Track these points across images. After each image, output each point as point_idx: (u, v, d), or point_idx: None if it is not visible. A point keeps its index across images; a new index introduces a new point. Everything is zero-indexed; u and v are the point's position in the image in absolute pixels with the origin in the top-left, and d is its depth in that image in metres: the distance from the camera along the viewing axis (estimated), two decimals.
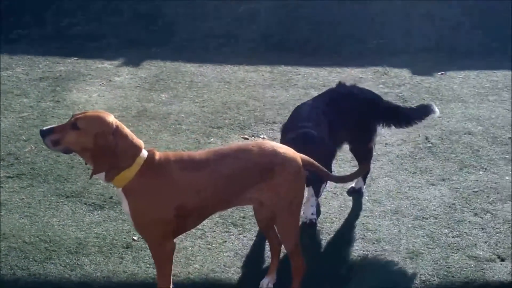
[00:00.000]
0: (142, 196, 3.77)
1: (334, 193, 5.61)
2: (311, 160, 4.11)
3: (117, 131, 3.70)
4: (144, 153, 3.80)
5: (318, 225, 5.18)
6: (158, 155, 3.83)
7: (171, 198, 3.78)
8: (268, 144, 3.99)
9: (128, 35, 9.39)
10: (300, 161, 3.98)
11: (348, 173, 4.90)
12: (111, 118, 3.73)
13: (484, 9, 9.77)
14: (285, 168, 3.91)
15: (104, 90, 7.62)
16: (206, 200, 3.85)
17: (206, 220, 4.64)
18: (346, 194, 5.62)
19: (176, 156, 3.88)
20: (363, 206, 5.49)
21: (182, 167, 3.81)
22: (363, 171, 5.08)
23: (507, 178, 5.91)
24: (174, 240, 3.94)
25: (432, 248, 4.92)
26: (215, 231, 5.06)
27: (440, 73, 8.17)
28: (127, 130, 3.79)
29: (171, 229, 3.85)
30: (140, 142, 3.81)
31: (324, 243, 5.01)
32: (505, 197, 5.61)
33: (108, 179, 3.76)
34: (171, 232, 3.86)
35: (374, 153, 6.11)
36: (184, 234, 4.39)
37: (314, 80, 7.98)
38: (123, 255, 4.73)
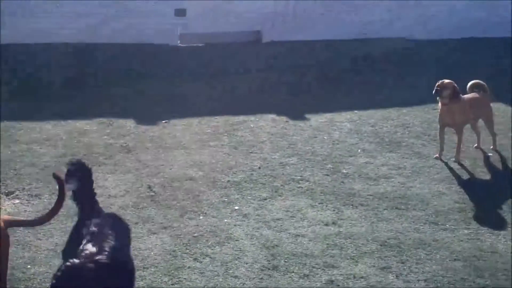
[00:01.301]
0: None
1: (55, 251, 5.56)
2: (11, 218, 4.20)
3: None
4: None
5: (38, 285, 5.14)
6: None
7: None
8: None
9: None
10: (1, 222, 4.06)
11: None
12: None
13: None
14: None
15: None
16: None
17: None
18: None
19: None
20: None
21: None
22: (62, 202, 4.73)
23: (225, 220, 6.21)
24: None
25: None
26: None
27: (164, 121, 8.41)
28: None
29: None
30: None
31: None
32: (223, 239, 5.90)
33: None
34: None
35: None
36: None
37: (37, 135, 7.86)
38: None
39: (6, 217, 4.24)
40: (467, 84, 7.77)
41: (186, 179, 6.98)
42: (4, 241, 4.16)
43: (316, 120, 8.67)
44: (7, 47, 9.90)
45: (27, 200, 6.39)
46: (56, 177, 4.58)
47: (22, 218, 4.32)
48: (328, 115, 8.80)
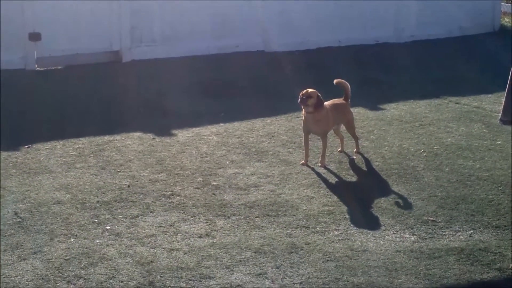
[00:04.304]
0: None
1: None
2: None
3: None
4: None
5: None
6: None
7: None
8: None
9: None
10: None
11: None
12: None
13: None
14: None
15: None
16: None
17: None
18: None
19: None
20: None
21: None
22: None
23: (97, 241, 6.10)
24: None
25: None
26: None
27: (26, 146, 8.18)
28: None
29: None
30: None
31: None
32: (96, 260, 5.79)
33: None
34: None
35: None
36: None
37: None
38: None
39: None
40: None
41: (54, 202, 6.81)
42: None
43: (183, 135, 8.68)
44: None
45: None
46: None
47: None
48: (195, 129, 8.84)
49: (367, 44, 13.46)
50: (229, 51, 12.35)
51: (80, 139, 8.46)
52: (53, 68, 11.45)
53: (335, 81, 7.96)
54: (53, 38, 11.45)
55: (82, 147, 8.23)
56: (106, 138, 8.50)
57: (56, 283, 5.45)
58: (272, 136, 8.68)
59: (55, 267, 5.67)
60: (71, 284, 5.45)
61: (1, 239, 6.08)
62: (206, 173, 7.57)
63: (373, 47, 13.41)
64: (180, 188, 7.19)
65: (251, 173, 7.56)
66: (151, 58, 11.87)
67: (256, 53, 12.49)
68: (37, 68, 11.41)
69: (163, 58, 11.90)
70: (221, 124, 9.07)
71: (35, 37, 11.37)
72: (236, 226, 6.42)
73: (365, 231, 6.35)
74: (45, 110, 9.49)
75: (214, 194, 7.06)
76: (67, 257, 5.83)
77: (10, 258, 5.79)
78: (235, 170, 7.63)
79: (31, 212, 6.61)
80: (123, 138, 8.55)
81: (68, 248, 5.98)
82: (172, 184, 7.28)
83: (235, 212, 6.69)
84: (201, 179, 7.41)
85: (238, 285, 5.49)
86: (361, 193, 7.18)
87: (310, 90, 7.60)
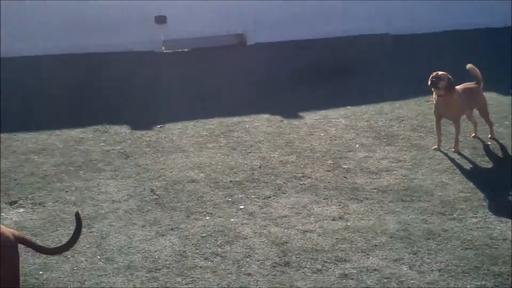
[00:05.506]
0: None
1: (65, 257, 5.49)
2: (22, 235, 4.11)
3: None
4: None
5: None
6: None
7: None
8: None
9: None
10: (10, 235, 3.95)
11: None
12: None
13: None
14: None
15: None
16: None
17: None
18: (78, 256, 5.53)
19: None
20: (96, 265, 5.43)
21: None
22: (76, 239, 4.68)
23: (232, 220, 6.17)
24: None
25: None
26: None
27: (159, 126, 8.35)
28: None
29: None
30: None
31: None
32: (232, 238, 5.86)
33: None
34: None
35: (102, 211, 6.15)
36: None
37: (33, 145, 7.76)
38: None
39: (17, 233, 4.14)
40: (459, 75, 7.78)
41: (188, 181, 6.92)
42: (14, 257, 4.06)
43: (311, 117, 8.65)
44: None
45: (31, 209, 6.31)
46: (77, 216, 4.51)
47: (33, 240, 4.24)
48: (322, 113, 8.79)
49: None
50: (352, 34, 12.16)
51: (210, 119, 8.56)
52: (179, 50, 11.62)
53: (467, 66, 7.74)
54: (179, 21, 11.62)
55: (212, 128, 8.33)
56: (235, 119, 8.57)
57: (194, 259, 5.55)
58: (402, 120, 8.52)
59: (192, 244, 5.77)
60: (209, 261, 5.53)
61: (140, 215, 6.23)
62: (336, 156, 7.52)
63: None
64: (310, 170, 7.17)
65: (382, 157, 7.46)
66: (275, 41, 11.86)
67: (379, 36, 12.25)
68: (164, 51, 11.61)
69: (287, 41, 11.86)
70: (348, 107, 8.98)
71: (161, 20, 11.57)
72: (370, 210, 6.36)
73: (504, 219, 6.15)
74: (174, 91, 9.65)
75: (345, 177, 7.01)
76: (204, 235, 5.92)
77: (149, 233, 5.93)
78: (365, 154, 7.55)
79: (167, 189, 6.74)
80: (252, 119, 8.59)
81: (204, 225, 6.08)
82: (302, 166, 7.27)
83: (368, 196, 6.62)
84: (331, 162, 7.36)
85: (375, 270, 5.44)
86: (498, 180, 6.96)
87: (440, 72, 7.42)
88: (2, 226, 4.05)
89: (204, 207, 6.41)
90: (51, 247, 5.03)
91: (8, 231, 3.99)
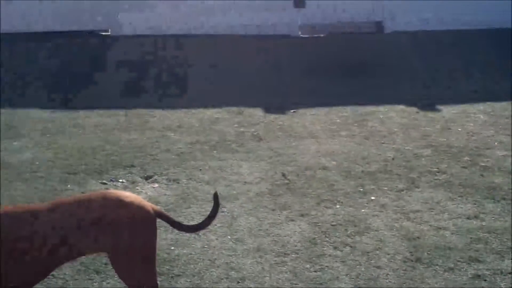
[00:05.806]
0: None
1: (197, 234, 5.58)
2: (161, 209, 4.14)
3: None
4: None
5: (182, 266, 5.14)
6: None
7: None
8: (113, 194, 3.96)
9: None
10: (150, 209, 3.99)
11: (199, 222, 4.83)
12: None
13: None
14: (133, 218, 3.90)
15: None
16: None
17: (67, 268, 4.50)
18: (209, 235, 5.60)
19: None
20: (226, 245, 5.49)
21: None
22: (213, 219, 4.86)
23: (362, 210, 6.09)
24: None
25: (295, 284, 4.98)
26: (77, 279, 4.90)
27: (292, 111, 8.35)
28: None
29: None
30: None
31: (189, 284, 4.96)
32: (362, 229, 5.78)
33: None
34: None
35: (234, 192, 6.20)
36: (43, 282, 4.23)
37: (170, 122, 7.95)
38: None
39: (156, 207, 4.20)
40: None
41: (319, 168, 6.89)
42: (153, 230, 4.12)
43: (448, 111, 8.42)
44: None
45: (166, 184, 6.46)
46: (215, 196, 4.54)
47: (170, 216, 4.30)
48: (461, 107, 8.54)
49: None
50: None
51: (344, 107, 8.49)
52: (316, 36, 11.58)
53: None
54: (317, 6, 11.58)
55: (346, 116, 8.25)
56: (369, 108, 8.46)
57: (323, 247, 5.50)
58: None
59: (322, 232, 5.73)
60: (338, 250, 5.48)
61: (270, 199, 6.25)
62: (473, 152, 7.29)
63: None
64: (446, 165, 6.98)
65: None
66: (414, 30, 11.60)
67: None
68: (300, 35, 11.60)
69: (426, 30, 11.58)
70: (488, 102, 8.69)
71: (300, 4, 11.55)
72: (507, 211, 6.11)
73: None
74: (304, 76, 9.62)
75: (482, 175, 6.78)
76: (334, 223, 5.87)
77: (279, 218, 5.94)
78: (504, 153, 7.27)
79: (298, 175, 6.74)
80: (387, 109, 8.46)
81: (334, 214, 6.02)
82: (437, 161, 7.09)
83: (505, 196, 6.37)
84: (468, 158, 7.14)
85: (510, 273, 5.21)
86: None
87: None
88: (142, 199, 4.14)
89: (334, 196, 6.35)
90: (188, 225, 5.10)
91: (149, 205, 4.06)
